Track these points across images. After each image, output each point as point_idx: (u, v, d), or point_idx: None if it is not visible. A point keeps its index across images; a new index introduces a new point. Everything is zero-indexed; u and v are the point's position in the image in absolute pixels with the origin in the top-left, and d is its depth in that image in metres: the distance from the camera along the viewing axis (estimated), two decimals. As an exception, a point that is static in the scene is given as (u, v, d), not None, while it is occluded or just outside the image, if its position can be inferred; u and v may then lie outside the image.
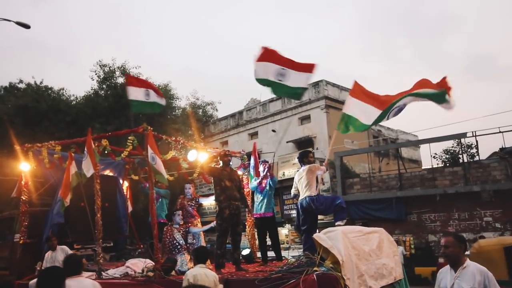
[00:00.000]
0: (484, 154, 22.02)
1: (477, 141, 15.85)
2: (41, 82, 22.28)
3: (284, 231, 20.35)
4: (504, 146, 15.71)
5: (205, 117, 29.59)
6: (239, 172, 8.06)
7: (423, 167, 21.66)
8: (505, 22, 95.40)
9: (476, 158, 16.56)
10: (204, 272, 4.31)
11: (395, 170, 17.51)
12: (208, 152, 7.61)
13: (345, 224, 5.63)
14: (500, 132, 14.37)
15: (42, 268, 6.46)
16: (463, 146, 16.93)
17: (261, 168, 7.22)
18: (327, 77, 39.64)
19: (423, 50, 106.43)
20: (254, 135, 25.64)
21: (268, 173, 7.07)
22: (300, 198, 6.00)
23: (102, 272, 6.00)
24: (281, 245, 8.17)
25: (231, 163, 6.54)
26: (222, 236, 5.91)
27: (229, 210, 5.90)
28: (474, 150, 16.94)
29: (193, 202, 7.63)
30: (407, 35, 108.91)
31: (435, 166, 17.42)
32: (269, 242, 7.13)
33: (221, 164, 6.40)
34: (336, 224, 5.58)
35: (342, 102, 24.11)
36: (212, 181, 6.27)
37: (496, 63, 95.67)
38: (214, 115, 30.22)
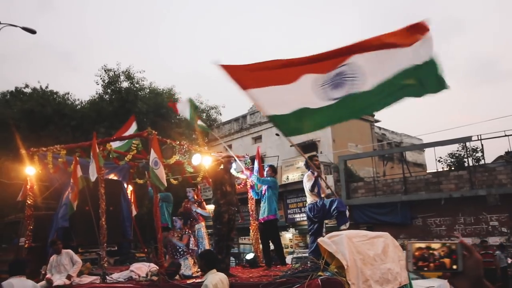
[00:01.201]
0: (490, 157, 21.91)
1: (482, 145, 15.75)
2: (46, 87, 22.43)
3: (288, 235, 20.27)
4: (510, 150, 15.61)
5: (209, 121, 29.62)
6: (243, 176, 8.07)
7: (428, 171, 21.55)
8: (508, 26, 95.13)
9: (482, 161, 16.46)
10: (219, 278, 4.28)
11: (399, 174, 17.43)
12: (212, 156, 7.62)
13: (350, 229, 5.62)
14: (506, 135, 14.28)
15: (47, 272, 6.48)
16: (468, 150, 16.85)
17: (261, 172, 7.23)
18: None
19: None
20: (257, 139, 25.63)
21: (266, 177, 7.05)
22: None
23: (106, 276, 6.00)
24: (285, 250, 8.16)
25: (235, 168, 6.55)
26: (222, 240, 5.90)
27: (228, 215, 5.92)
28: (479, 154, 16.84)
29: (196, 205, 7.64)
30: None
31: (440, 170, 17.33)
32: (272, 247, 7.11)
33: (221, 167, 6.40)
34: (340, 228, 5.57)
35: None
36: (213, 184, 6.27)
37: (500, 67, 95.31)
38: (218, 119, 30.24)
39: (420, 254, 1.12)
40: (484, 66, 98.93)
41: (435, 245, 1.11)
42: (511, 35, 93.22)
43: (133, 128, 8.38)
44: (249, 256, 7.37)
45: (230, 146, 27.00)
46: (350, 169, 18.69)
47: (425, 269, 1.12)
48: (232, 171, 7.05)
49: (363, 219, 15.98)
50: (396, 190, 16.37)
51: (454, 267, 1.08)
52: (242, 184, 7.90)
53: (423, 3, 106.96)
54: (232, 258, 6.58)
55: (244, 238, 18.83)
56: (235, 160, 6.55)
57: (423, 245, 1.12)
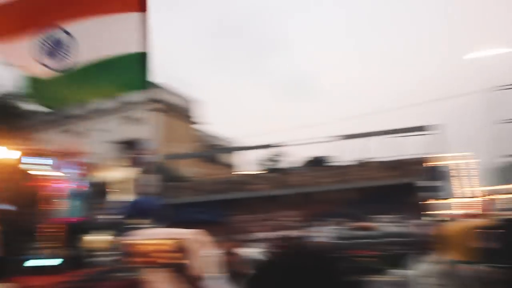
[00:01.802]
0: (297, 162, 25.48)
1: (287, 151, 18.47)
2: None
3: (99, 237, 19.19)
4: (315, 156, 18.75)
5: (20, 110, 25.55)
6: (59, 173, 7.43)
7: (243, 172, 23.61)
8: (323, 49, 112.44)
9: (291, 165, 19.24)
10: None
11: (218, 175, 18.62)
12: (16, 149, 6.74)
13: (167, 227, 5.72)
14: (303, 143, 17.07)
15: None
16: (277, 155, 19.39)
17: (73, 170, 6.79)
18: (161, 80, 39.51)
19: (256, 66, 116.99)
20: (76, 133, 23.62)
21: (79, 175, 6.68)
22: None
23: None
24: (96, 252, 7.84)
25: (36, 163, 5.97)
26: (8, 243, 5.35)
27: (17, 215, 5.42)
28: (290, 159, 19.74)
29: None
30: (245, 50, 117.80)
31: (255, 172, 19.33)
32: (76, 249, 6.73)
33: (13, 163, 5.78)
34: (155, 227, 5.63)
35: (174, 106, 24.31)
36: (2, 182, 5.63)
37: (315, 84, 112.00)
38: (30, 108, 26.36)
39: (138, 251, 1.17)
40: (300, 82, 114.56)
41: (158, 241, 1.21)
42: (324, 56, 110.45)
43: None
44: (51, 261, 6.74)
45: (42, 139, 23.99)
46: (172, 168, 18.97)
47: (147, 265, 1.18)
48: (36, 166, 6.38)
49: (183, 218, 16.26)
50: (214, 190, 17.44)
51: (181, 261, 1.17)
52: (45, 181, 7.21)
53: (251, 20, 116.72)
54: (29, 263, 5.91)
55: (41, 242, 17.02)
56: (36, 154, 5.94)
57: (140, 242, 1.20)
